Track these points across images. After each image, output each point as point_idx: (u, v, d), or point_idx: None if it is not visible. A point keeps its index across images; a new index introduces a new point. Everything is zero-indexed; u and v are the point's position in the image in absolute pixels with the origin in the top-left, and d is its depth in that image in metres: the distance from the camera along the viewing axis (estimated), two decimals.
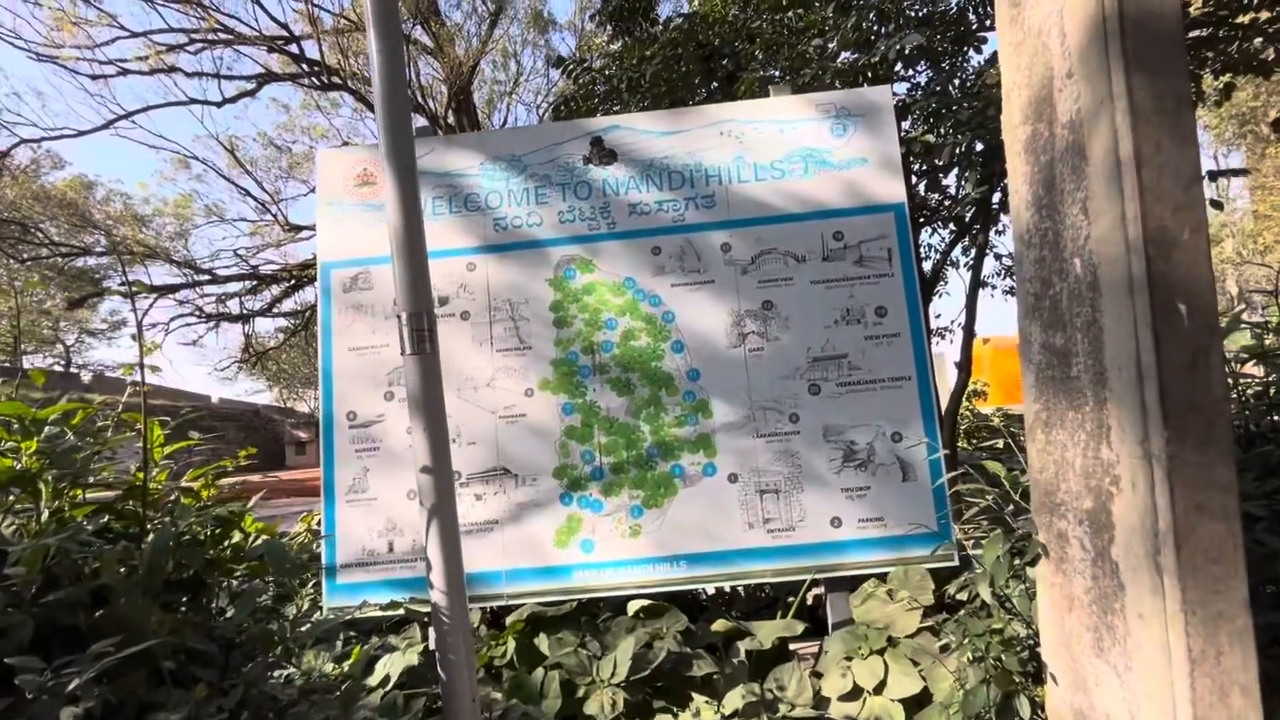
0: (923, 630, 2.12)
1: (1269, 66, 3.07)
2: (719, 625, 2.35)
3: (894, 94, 2.93)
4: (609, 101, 4.44)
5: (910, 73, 3.96)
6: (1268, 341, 2.02)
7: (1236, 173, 3.38)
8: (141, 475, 1.52)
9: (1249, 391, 2.00)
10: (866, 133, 2.65)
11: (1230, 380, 1.95)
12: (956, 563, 2.30)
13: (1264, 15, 2.96)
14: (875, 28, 3.66)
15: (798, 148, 2.66)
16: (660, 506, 2.49)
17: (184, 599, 1.52)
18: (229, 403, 27.23)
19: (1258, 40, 2.99)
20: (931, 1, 3.64)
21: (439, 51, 9.73)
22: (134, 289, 1.90)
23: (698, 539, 2.46)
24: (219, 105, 10.18)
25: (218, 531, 1.64)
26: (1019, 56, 1.41)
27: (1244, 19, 3.01)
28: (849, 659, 2.14)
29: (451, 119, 10.01)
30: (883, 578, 2.39)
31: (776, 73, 3.92)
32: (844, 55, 3.83)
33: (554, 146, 2.75)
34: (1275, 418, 1.89)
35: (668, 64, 4.10)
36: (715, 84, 4.26)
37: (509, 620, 2.37)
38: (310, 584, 2.49)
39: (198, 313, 10.79)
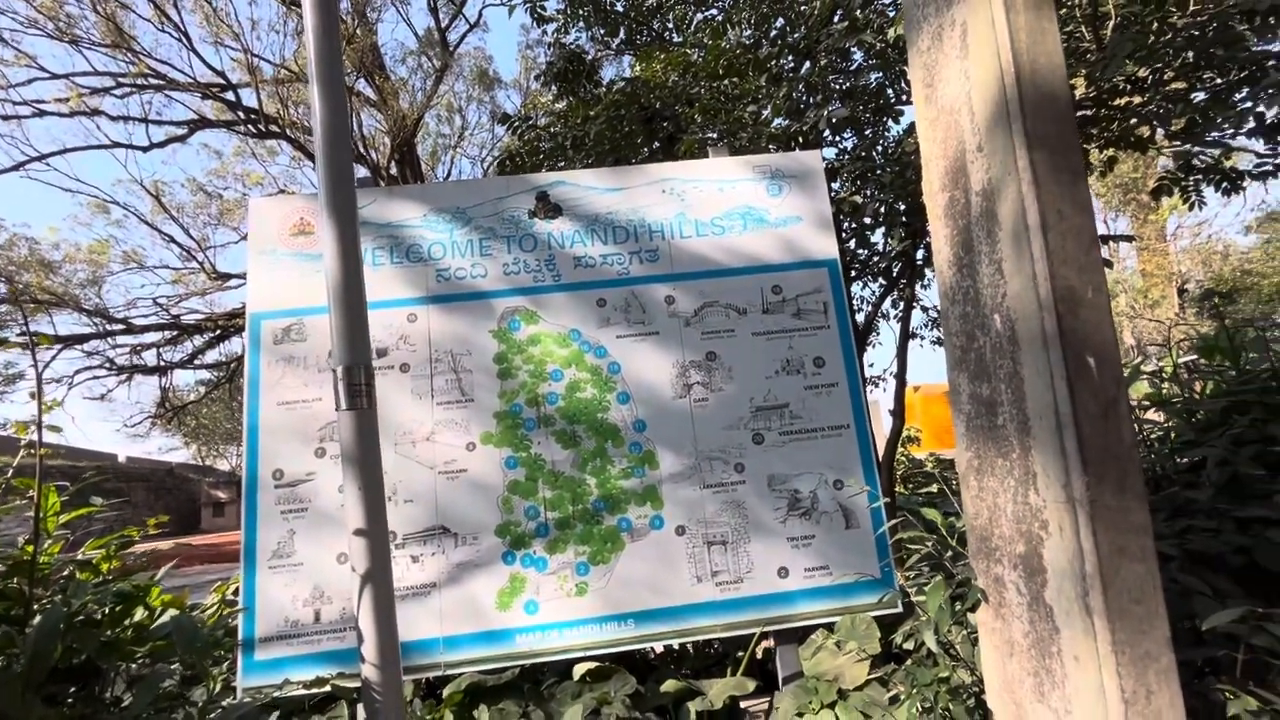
0: (871, 681, 2.11)
1: (1144, 143, 3.46)
2: (669, 686, 2.28)
3: (824, 158, 3.12)
4: (554, 158, 4.53)
5: (837, 139, 4.25)
6: (1165, 389, 2.21)
7: (1123, 238, 3.78)
8: (31, 549, 1.37)
9: (1153, 436, 2.17)
10: (800, 193, 2.80)
11: (1136, 427, 2.11)
12: (901, 610, 2.33)
13: (1137, 99, 3.36)
14: (804, 97, 3.93)
15: (736, 206, 2.77)
16: (607, 562, 2.43)
17: (73, 689, 1.35)
18: (138, 461, 25.09)
19: (1134, 120, 3.38)
20: (853, 76, 3.95)
21: (383, 104, 9.77)
22: (35, 340, 1.75)
23: (646, 595, 2.39)
24: (145, 150, 9.80)
25: (118, 609, 1.48)
26: (935, 130, 1.54)
27: (1121, 102, 3.40)
28: (800, 715, 2.10)
29: (394, 170, 9.97)
30: (830, 628, 2.39)
31: (715, 135, 4.12)
32: (777, 121, 4.07)
33: (499, 200, 2.77)
34: (1179, 460, 2.04)
35: (611, 124, 4.25)
36: (657, 144, 4.43)
37: (446, 692, 2.22)
38: (225, 663, 2.26)
39: (108, 364, 10.03)
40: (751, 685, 2.27)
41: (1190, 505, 1.75)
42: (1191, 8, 3.00)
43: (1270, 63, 3.01)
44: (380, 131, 10.65)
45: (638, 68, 5.09)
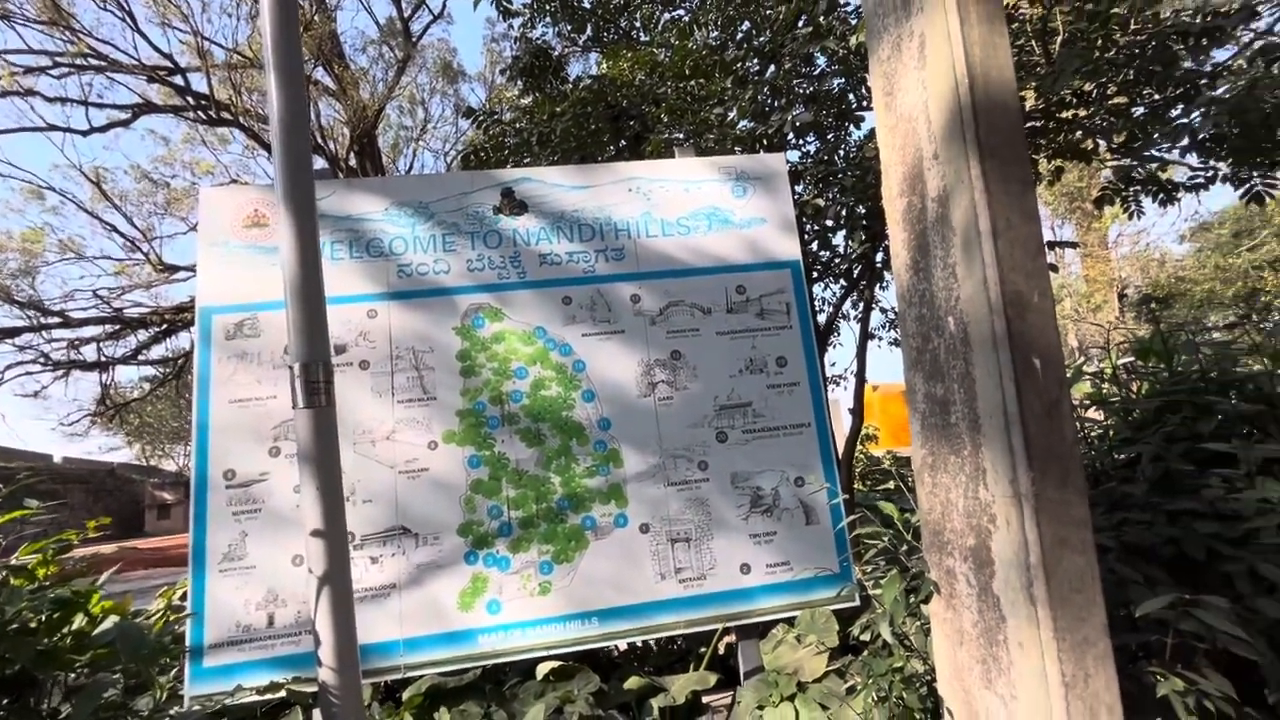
0: (830, 673, 2.16)
1: (1089, 154, 3.63)
2: (632, 683, 2.29)
3: (788, 161, 3.18)
4: (519, 153, 4.49)
5: (801, 142, 4.32)
6: (1104, 390, 2.33)
7: (1068, 244, 3.97)
8: None
9: (1093, 434, 2.28)
10: (764, 195, 2.84)
11: (1077, 425, 2.23)
12: (859, 603, 2.39)
13: (1082, 112, 3.52)
14: (769, 101, 3.99)
15: (702, 206, 2.80)
16: (571, 561, 2.42)
17: (6, 700, 1.28)
18: (76, 462, 23.81)
19: (1079, 132, 3.55)
20: (817, 81, 4.02)
21: (342, 94, 9.50)
22: None
23: (610, 593, 2.40)
24: (84, 134, 9.31)
25: (55, 616, 1.40)
26: (894, 137, 1.59)
27: (1067, 114, 3.56)
28: (761, 708, 2.14)
29: (353, 162, 9.71)
30: (791, 622, 2.43)
31: (681, 135, 4.15)
32: (743, 123, 4.12)
33: (463, 195, 2.73)
34: (1117, 457, 2.16)
35: (577, 121, 4.23)
36: (624, 143, 4.43)
37: (406, 695, 2.18)
38: (172, 671, 2.18)
39: (43, 360, 9.49)
40: (713, 680, 2.30)
41: (1126, 499, 1.85)
42: (1132, 27, 3.15)
43: (1203, 81, 3.19)
44: (339, 122, 10.36)
45: (605, 65, 5.07)
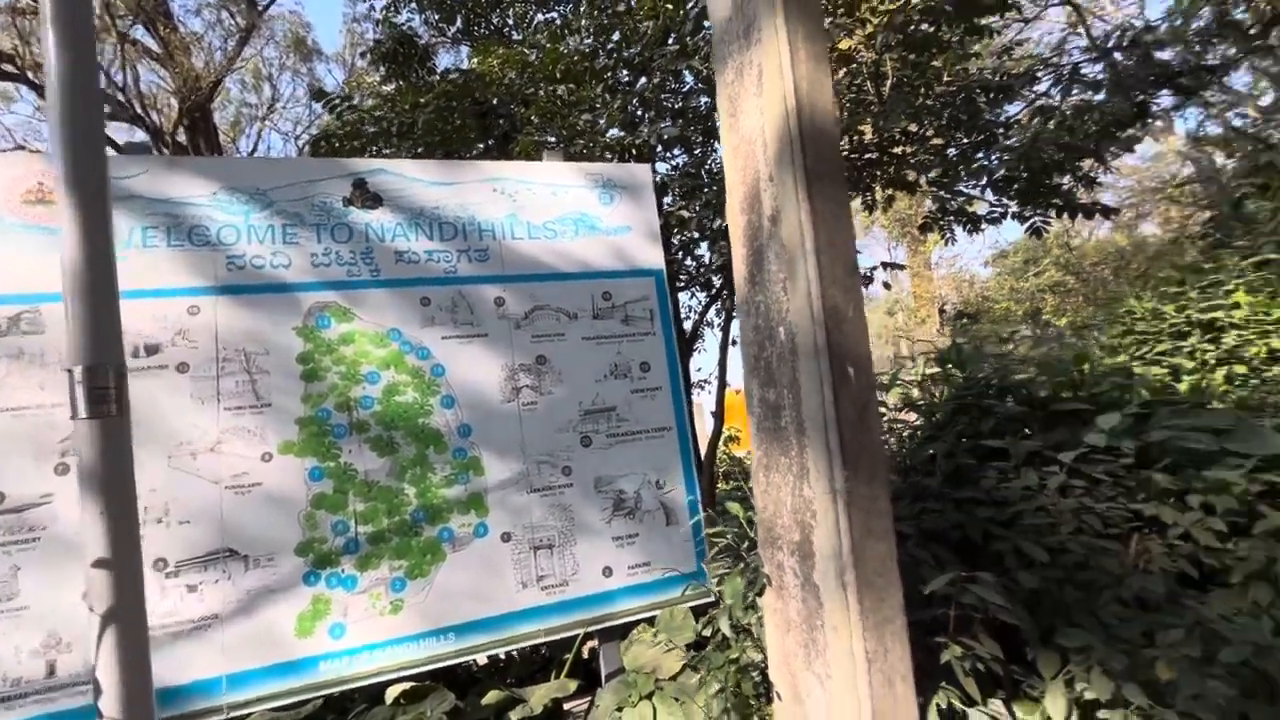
0: (685, 668, 2.25)
1: (913, 186, 4.12)
2: (490, 697, 2.23)
3: (655, 172, 3.28)
4: (377, 143, 4.23)
5: (669, 155, 4.48)
6: (915, 394, 2.66)
7: (897, 266, 4.48)
8: None
9: (905, 434, 2.60)
10: (631, 203, 2.91)
11: (891, 426, 2.53)
12: (714, 599, 2.51)
13: (908, 148, 3.99)
14: (638, 112, 4.09)
15: (569, 211, 2.80)
16: (426, 576, 2.31)
17: None
18: None
19: (906, 167, 4.02)
20: (684, 97, 4.19)
21: (169, 59, 8.37)
22: None
23: (468, 605, 2.32)
24: None
25: None
26: (736, 158, 1.70)
27: (898, 150, 4.02)
28: (620, 709, 2.17)
29: (183, 137, 8.59)
30: (652, 622, 2.50)
31: (551, 139, 4.14)
32: (612, 132, 4.19)
33: (309, 184, 2.52)
34: (926, 453, 2.47)
35: (441, 114, 4.07)
36: (491, 141, 4.33)
37: None
38: None
39: None
40: (574, 686, 2.30)
41: (925, 490, 2.14)
42: (946, 78, 3.63)
43: (1000, 130, 3.74)
44: (166, 91, 9.12)
45: (474, 60, 4.93)
